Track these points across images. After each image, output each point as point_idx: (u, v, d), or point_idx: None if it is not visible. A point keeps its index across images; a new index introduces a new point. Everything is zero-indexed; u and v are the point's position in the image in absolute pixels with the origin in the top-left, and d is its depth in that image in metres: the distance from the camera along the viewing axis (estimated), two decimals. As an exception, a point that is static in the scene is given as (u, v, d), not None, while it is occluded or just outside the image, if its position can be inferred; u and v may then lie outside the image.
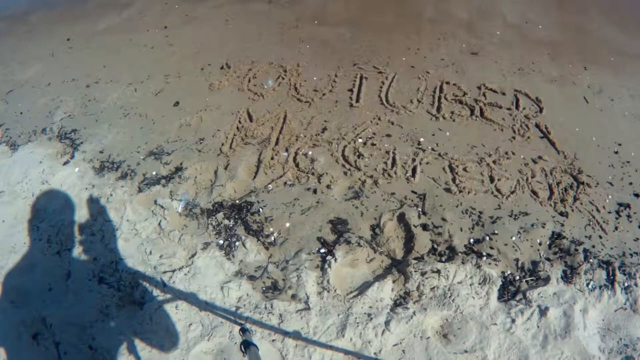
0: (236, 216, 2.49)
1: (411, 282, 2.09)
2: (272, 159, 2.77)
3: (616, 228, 2.30)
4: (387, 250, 2.28)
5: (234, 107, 3.22)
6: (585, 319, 1.95)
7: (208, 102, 3.31)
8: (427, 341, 1.94)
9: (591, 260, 2.14)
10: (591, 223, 2.32)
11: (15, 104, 3.67)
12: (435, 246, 2.25)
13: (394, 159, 2.68)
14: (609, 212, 2.37)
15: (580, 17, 3.86)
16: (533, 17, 3.89)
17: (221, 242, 2.38)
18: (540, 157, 2.64)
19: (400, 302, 2.06)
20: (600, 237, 2.26)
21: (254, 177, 2.69)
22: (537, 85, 3.17)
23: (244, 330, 1.64)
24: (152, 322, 2.09)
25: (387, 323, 1.97)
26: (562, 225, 2.31)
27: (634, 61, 3.37)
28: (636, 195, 2.44)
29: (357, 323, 1.99)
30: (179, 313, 2.11)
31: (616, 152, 2.66)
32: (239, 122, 3.08)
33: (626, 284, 2.06)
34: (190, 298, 2.15)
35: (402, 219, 2.38)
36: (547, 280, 2.08)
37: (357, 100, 3.13)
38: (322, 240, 2.33)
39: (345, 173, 2.64)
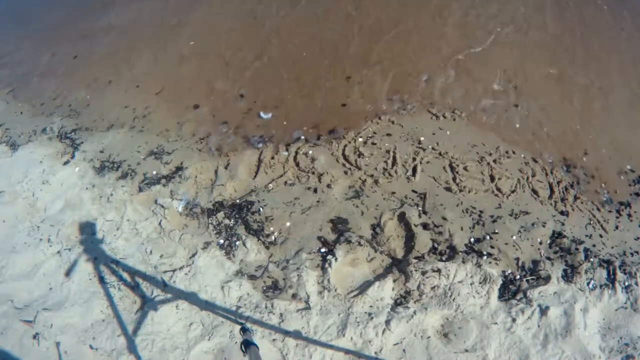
0: (237, 215, 2.49)
1: (412, 281, 2.09)
2: (272, 158, 2.77)
3: (617, 227, 2.29)
4: (387, 250, 2.27)
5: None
6: (586, 318, 1.95)
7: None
8: (428, 340, 1.94)
9: (592, 260, 2.14)
10: (592, 222, 2.31)
11: (16, 103, 3.68)
12: (436, 245, 2.25)
13: (394, 158, 2.68)
14: (610, 211, 2.36)
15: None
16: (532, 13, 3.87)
17: (222, 241, 2.38)
18: (540, 156, 2.64)
19: (400, 301, 2.06)
20: (601, 236, 2.26)
21: (255, 176, 2.69)
22: (537, 84, 3.16)
23: (244, 330, 1.63)
24: (152, 321, 2.09)
25: (387, 322, 1.97)
26: (563, 224, 2.31)
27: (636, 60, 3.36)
28: (637, 194, 2.44)
29: (358, 322, 1.99)
30: (179, 312, 2.11)
31: (616, 152, 2.66)
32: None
33: (627, 283, 2.06)
34: (191, 297, 2.15)
35: (402, 218, 2.38)
36: (547, 279, 2.08)
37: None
38: (322, 239, 2.33)
39: (345, 172, 2.64)
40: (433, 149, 2.72)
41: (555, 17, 3.64)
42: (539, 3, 3.78)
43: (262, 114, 3.01)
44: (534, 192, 2.46)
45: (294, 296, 2.10)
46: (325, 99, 3.18)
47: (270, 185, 2.62)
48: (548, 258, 2.18)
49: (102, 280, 2.29)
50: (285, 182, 2.63)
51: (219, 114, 3.19)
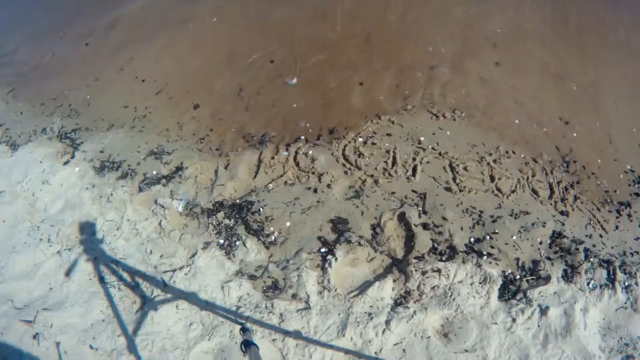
0: (237, 215, 2.49)
1: (412, 281, 2.09)
2: (272, 158, 2.77)
3: (617, 227, 2.29)
4: (387, 250, 2.27)
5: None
6: (586, 318, 1.95)
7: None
8: (428, 340, 1.94)
9: (592, 260, 2.14)
10: (592, 222, 2.31)
11: (16, 103, 3.68)
12: (436, 245, 2.25)
13: (394, 158, 2.68)
14: (610, 211, 2.36)
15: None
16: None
17: (222, 241, 2.38)
18: (540, 156, 2.64)
19: (400, 301, 2.06)
20: (601, 236, 2.26)
21: (255, 176, 2.69)
22: (537, 82, 3.16)
23: (244, 330, 1.63)
24: (152, 321, 2.09)
25: (387, 322, 1.97)
26: (563, 224, 2.31)
27: (634, 57, 3.36)
28: (637, 194, 2.44)
29: (358, 322, 1.99)
30: (179, 312, 2.11)
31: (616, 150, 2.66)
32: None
33: (627, 283, 2.06)
34: (191, 297, 2.15)
35: (402, 218, 2.38)
36: (547, 279, 2.08)
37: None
38: (322, 239, 2.33)
39: (345, 172, 2.64)
40: (433, 149, 2.72)
41: (554, 14, 3.65)
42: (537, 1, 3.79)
43: (288, 80, 3.17)
44: (534, 192, 2.46)
45: (294, 296, 2.10)
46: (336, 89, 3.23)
47: (270, 185, 2.62)
48: (548, 258, 2.18)
49: (102, 280, 2.29)
50: (285, 182, 2.63)
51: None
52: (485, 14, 3.80)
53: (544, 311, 1.96)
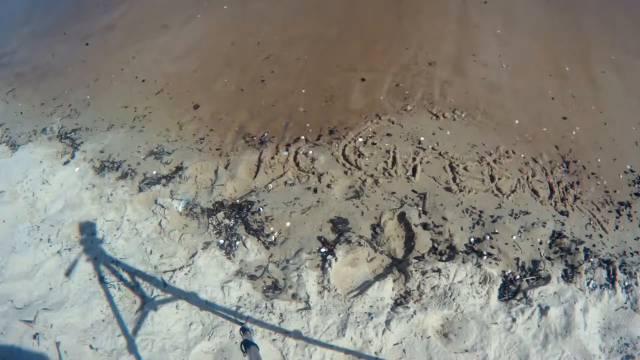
0: (237, 215, 2.49)
1: (412, 281, 2.09)
2: (272, 158, 2.77)
3: (617, 227, 2.29)
4: (387, 250, 2.27)
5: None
6: (586, 318, 1.95)
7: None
8: (428, 340, 1.94)
9: (592, 260, 2.14)
10: (592, 222, 2.31)
11: (16, 103, 3.68)
12: (436, 245, 2.24)
13: (394, 158, 2.68)
14: (610, 211, 2.36)
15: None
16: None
17: (222, 241, 2.38)
18: (540, 156, 2.64)
19: (400, 301, 2.06)
20: (601, 236, 2.26)
21: (255, 176, 2.69)
22: (537, 82, 3.16)
23: (244, 330, 1.63)
24: (152, 321, 2.09)
25: (387, 322, 1.97)
26: (563, 224, 2.31)
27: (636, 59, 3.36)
28: (637, 194, 2.44)
29: (358, 322, 1.99)
30: (179, 312, 2.11)
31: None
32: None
33: (627, 283, 2.06)
34: (191, 297, 2.15)
35: (402, 218, 2.38)
36: (547, 279, 2.08)
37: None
38: (322, 239, 2.33)
39: (345, 172, 2.64)
40: (433, 149, 2.72)
41: (554, 13, 3.66)
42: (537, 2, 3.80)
43: None
44: (534, 192, 2.46)
45: (294, 296, 2.10)
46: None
47: (270, 185, 2.62)
48: (548, 258, 2.18)
49: (102, 280, 2.29)
50: (285, 182, 2.63)
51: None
52: (485, 11, 3.80)
53: (544, 311, 1.96)
